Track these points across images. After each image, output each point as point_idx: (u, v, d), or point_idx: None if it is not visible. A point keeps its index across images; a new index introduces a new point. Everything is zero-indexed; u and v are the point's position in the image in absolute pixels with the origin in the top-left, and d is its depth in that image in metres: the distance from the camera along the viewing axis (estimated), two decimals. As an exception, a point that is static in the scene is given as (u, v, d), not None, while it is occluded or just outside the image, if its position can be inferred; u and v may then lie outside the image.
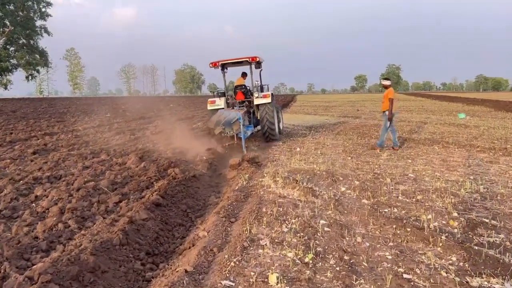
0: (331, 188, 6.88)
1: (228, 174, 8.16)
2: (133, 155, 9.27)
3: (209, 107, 12.90)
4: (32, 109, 29.98)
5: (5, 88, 74.14)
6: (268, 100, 12.38)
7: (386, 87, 11.15)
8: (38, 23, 69.80)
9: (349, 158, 9.76)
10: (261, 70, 13.69)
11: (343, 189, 6.73)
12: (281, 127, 14.74)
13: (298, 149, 11.32)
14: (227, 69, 13.88)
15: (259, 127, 13.20)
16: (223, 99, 12.96)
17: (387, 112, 10.89)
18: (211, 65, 12.96)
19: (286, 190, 6.67)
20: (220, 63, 12.91)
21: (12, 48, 69.23)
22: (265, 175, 7.58)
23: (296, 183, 6.98)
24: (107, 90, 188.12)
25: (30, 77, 72.22)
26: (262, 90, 13.33)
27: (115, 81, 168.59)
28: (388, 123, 10.87)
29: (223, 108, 12.52)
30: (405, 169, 8.32)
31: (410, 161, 9.29)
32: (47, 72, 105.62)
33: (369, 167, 8.54)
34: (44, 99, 56.71)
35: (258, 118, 12.89)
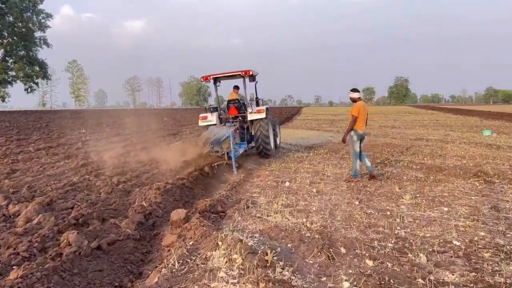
0: (324, 279, 3.90)
1: (165, 237, 5.18)
2: (37, 202, 6.31)
3: (201, 123, 12.24)
4: (7, 123, 27.34)
5: (3, 101, 72.68)
6: (263, 115, 11.72)
7: (354, 100, 8.66)
8: (38, 34, 68.56)
9: (357, 202, 6.78)
10: (257, 82, 13.10)
11: (346, 285, 3.74)
12: (278, 142, 14.25)
13: (287, 183, 8.37)
14: (220, 82, 13.35)
15: (253, 144, 12.33)
16: (215, 115, 12.33)
17: (352, 133, 8.60)
18: (202, 79, 12.41)
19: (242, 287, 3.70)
20: (211, 77, 12.28)
21: (11, 60, 67.95)
22: (220, 243, 4.62)
23: (265, 267, 4.00)
24: (115, 102, 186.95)
25: (29, 90, 70.88)
26: (258, 104, 12.91)
27: (123, 93, 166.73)
28: (356, 146, 8.65)
29: (215, 124, 11.88)
30: (443, 228, 5.34)
31: (446, 209, 6.30)
32: (47, 84, 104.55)
33: (387, 223, 5.55)
34: (35, 112, 54.37)
35: (252, 134, 12.10)
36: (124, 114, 48.17)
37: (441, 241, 4.86)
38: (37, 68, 69.35)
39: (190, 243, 4.79)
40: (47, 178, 8.93)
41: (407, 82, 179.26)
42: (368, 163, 8.76)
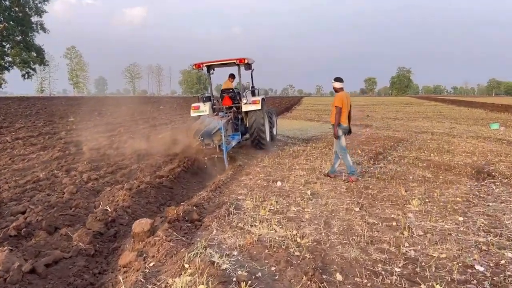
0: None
1: (123, 254, 4.24)
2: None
3: (192, 113, 11.56)
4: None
5: (0, 87, 71.88)
6: (258, 106, 11.08)
7: (336, 90, 7.83)
8: (34, 19, 67.35)
9: (357, 209, 5.86)
10: (253, 70, 12.54)
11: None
12: (274, 133, 13.68)
13: (279, 183, 7.44)
14: (213, 70, 12.60)
15: (247, 135, 11.82)
16: (208, 105, 11.69)
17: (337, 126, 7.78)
18: (194, 67, 11.72)
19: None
20: (204, 64, 11.57)
21: (8, 45, 66.87)
22: (186, 265, 3.71)
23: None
24: (115, 90, 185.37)
25: (26, 76, 69.97)
26: (254, 94, 12.51)
27: (122, 81, 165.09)
28: (342, 140, 7.84)
29: (207, 115, 11.17)
30: (461, 245, 4.42)
31: (461, 218, 5.38)
32: (44, 70, 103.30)
33: (393, 238, 4.64)
34: (30, 98, 53.36)
35: (247, 125, 11.51)
36: (121, 102, 47.14)
37: (460, 265, 3.94)
38: (34, 54, 68.37)
39: (151, 264, 3.88)
40: (11, 173, 8.02)
41: (409, 73, 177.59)
42: (337, 164, 8.00)
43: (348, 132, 8.04)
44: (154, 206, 6.15)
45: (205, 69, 11.96)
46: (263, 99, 11.71)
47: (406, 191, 6.81)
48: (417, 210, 5.80)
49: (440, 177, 8.00)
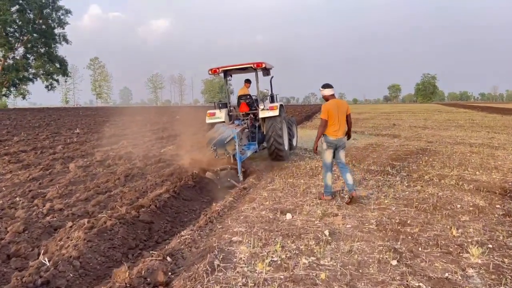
0: None
1: None
2: None
3: (208, 120, 11.12)
4: (8, 121, 25.56)
5: (23, 98, 73.02)
6: (276, 112, 10.57)
7: (326, 99, 6.84)
8: (57, 31, 68.19)
9: (394, 261, 4.17)
10: (272, 77, 12.22)
11: None
12: (294, 144, 13.24)
13: (288, 216, 5.80)
14: (231, 76, 12.26)
15: (265, 144, 11.23)
16: (224, 111, 11.26)
17: (322, 139, 6.81)
18: (210, 72, 11.26)
19: None
20: (221, 69, 11.17)
21: (32, 57, 67.73)
22: None
23: None
24: (140, 100, 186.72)
25: (50, 87, 70.85)
26: (272, 100, 12.17)
27: (145, 91, 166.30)
28: (325, 156, 6.82)
29: (223, 122, 10.79)
30: None
31: (551, 281, 3.64)
32: (66, 81, 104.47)
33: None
34: (51, 109, 53.28)
35: (264, 132, 11.03)
36: (139, 112, 46.43)
37: None
38: (57, 65, 69.07)
39: None
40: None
41: (434, 79, 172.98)
42: (350, 180, 6.66)
43: (341, 147, 6.88)
44: (118, 253, 4.62)
45: (221, 74, 11.65)
46: (281, 105, 11.26)
47: (457, 230, 5.08)
48: (480, 263, 4.08)
49: (497, 205, 6.23)
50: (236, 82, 13.50)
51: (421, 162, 10.46)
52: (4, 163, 10.19)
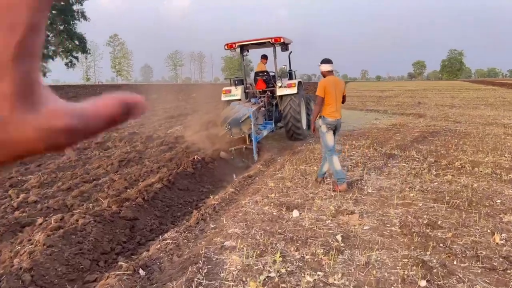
0: None
1: None
2: None
3: (223, 97, 10.75)
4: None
5: (44, 75, 73.56)
6: (294, 90, 10.08)
7: (324, 75, 6.24)
8: (75, 7, 67.89)
9: (423, 282, 3.26)
10: (291, 52, 11.69)
11: None
12: None
13: (295, 213, 4.92)
14: (248, 52, 11.97)
15: (281, 123, 10.90)
16: (240, 88, 10.81)
17: (320, 122, 6.13)
18: (226, 47, 10.77)
19: None
20: (237, 44, 10.74)
21: (51, 35, 67.82)
22: None
23: None
24: (161, 77, 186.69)
25: (69, 64, 71.17)
26: (291, 77, 11.51)
27: (165, 68, 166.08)
28: (327, 138, 6.08)
29: (239, 99, 10.39)
30: None
31: None
32: (86, 58, 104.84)
33: None
34: (70, 86, 53.21)
35: (281, 111, 10.46)
36: (156, 89, 45.84)
37: None
38: (76, 43, 69.13)
39: None
40: None
41: (461, 56, 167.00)
42: (325, 168, 6.26)
43: (338, 128, 6.24)
44: (87, 260, 3.84)
45: (238, 50, 11.14)
46: (300, 82, 10.81)
47: (501, 235, 4.13)
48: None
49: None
50: (256, 59, 12.72)
51: (450, 146, 9.40)
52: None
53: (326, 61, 6.20)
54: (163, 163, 7.47)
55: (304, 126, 10.95)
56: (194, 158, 7.47)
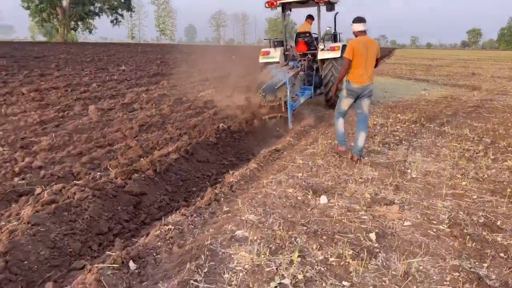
0: None
1: None
2: None
3: (261, 59, 10.10)
4: (63, 54, 25.32)
5: (90, 32, 74.78)
6: (337, 54, 9.30)
7: (356, 35, 5.61)
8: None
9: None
10: (337, 13, 10.61)
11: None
12: None
13: (323, 199, 4.21)
14: (290, 11, 11.04)
15: (322, 89, 10.19)
16: (279, 50, 10.15)
17: (343, 84, 5.71)
18: (267, 5, 9.94)
19: None
20: (278, 2, 9.85)
21: (97, -9, 68.27)
22: None
23: None
24: (204, 38, 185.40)
25: (115, 22, 71.85)
26: (335, 40, 10.43)
27: (208, 29, 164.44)
28: (342, 103, 5.76)
29: (278, 62, 9.72)
30: None
31: None
32: (131, 17, 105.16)
33: None
34: (115, 44, 53.53)
35: (322, 76, 9.82)
36: (197, 50, 45.25)
37: None
38: (121, 0, 69.37)
39: None
40: None
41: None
42: (361, 141, 5.63)
43: (366, 95, 5.65)
44: (77, 242, 3.36)
45: (279, 8, 10.34)
46: (344, 46, 9.48)
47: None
48: None
49: None
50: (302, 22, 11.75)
51: (510, 125, 8.30)
52: (27, 101, 9.32)
53: (358, 19, 5.54)
54: (186, 129, 6.89)
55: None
56: (218, 127, 6.85)
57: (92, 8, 68.82)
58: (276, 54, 10.00)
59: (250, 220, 3.67)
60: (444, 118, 8.99)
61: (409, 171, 5.25)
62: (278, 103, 7.98)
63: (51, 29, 74.59)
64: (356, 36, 5.58)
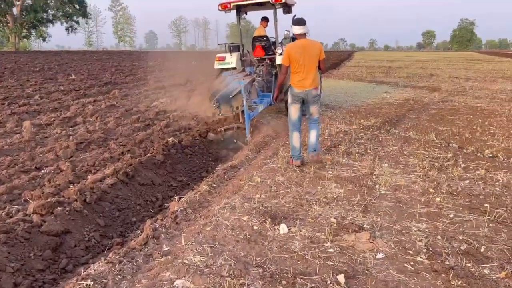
0: None
1: None
2: None
3: (216, 65, 9.58)
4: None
5: (43, 40, 72.24)
6: None
7: (296, 37, 5.48)
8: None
9: None
10: (295, 16, 9.11)
11: None
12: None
13: (282, 228, 3.59)
14: (246, 14, 10.55)
15: (282, 96, 8.64)
16: (235, 55, 9.61)
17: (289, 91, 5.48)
18: (220, 8, 9.38)
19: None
20: (232, 4, 9.31)
21: (51, -3, 65.91)
22: None
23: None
24: (165, 44, 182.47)
25: (70, 29, 69.66)
26: None
27: (169, 35, 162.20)
28: (291, 110, 5.49)
29: (234, 68, 9.38)
30: None
31: None
32: (86, 23, 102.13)
33: None
34: (65, 52, 51.44)
35: None
36: (157, 56, 44.11)
37: None
38: (76, 7, 67.32)
39: None
40: None
41: (472, 25, 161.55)
42: (313, 138, 5.53)
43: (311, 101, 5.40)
44: None
45: (234, 11, 9.75)
46: None
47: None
48: None
49: None
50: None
51: (475, 128, 8.03)
52: None
53: (297, 21, 5.26)
54: (130, 146, 6.14)
55: None
56: (167, 142, 6.14)
57: (45, 15, 66.46)
58: (232, 60, 9.51)
59: (194, 264, 3.00)
60: (408, 122, 8.65)
61: (377, 186, 4.74)
62: (234, 113, 7.37)
63: (1, 37, 71.59)
64: (295, 39, 5.34)
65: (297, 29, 5.24)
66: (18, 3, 59.97)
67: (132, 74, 20.18)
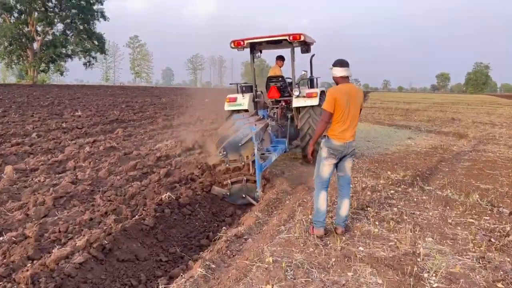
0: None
1: None
2: None
3: (227, 106, 8.86)
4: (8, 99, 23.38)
5: (61, 75, 73.61)
6: (315, 101, 8.14)
7: (336, 81, 4.61)
8: (95, 7, 67.63)
9: None
10: (313, 55, 9.53)
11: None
12: None
13: None
14: (260, 52, 9.69)
15: (298, 141, 8.86)
16: (248, 97, 8.86)
17: (322, 143, 4.56)
18: (233, 45, 8.54)
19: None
20: (246, 42, 8.44)
21: (71, 34, 67.59)
22: None
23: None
24: (181, 80, 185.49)
25: (88, 64, 70.83)
26: (311, 85, 9.58)
27: (185, 72, 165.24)
28: (323, 167, 4.48)
29: (246, 110, 8.58)
30: None
31: None
32: (105, 59, 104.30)
33: None
34: (79, 87, 51.76)
35: (299, 127, 8.53)
36: (171, 92, 44.11)
37: None
38: (95, 42, 68.81)
39: None
40: None
41: (487, 69, 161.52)
42: (345, 209, 4.57)
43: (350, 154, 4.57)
44: None
45: (247, 48, 8.87)
46: (322, 91, 8.61)
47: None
48: None
49: None
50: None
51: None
52: None
53: (340, 63, 4.54)
54: (118, 203, 5.14)
55: None
56: (161, 200, 5.13)
57: (64, 50, 67.91)
58: (244, 101, 8.77)
59: None
60: (443, 177, 7.55)
61: (425, 275, 3.62)
62: (243, 163, 6.38)
63: (20, 71, 73.24)
64: (337, 83, 4.60)
65: (340, 71, 4.53)
66: (38, 38, 61.52)
67: (141, 111, 19.53)
